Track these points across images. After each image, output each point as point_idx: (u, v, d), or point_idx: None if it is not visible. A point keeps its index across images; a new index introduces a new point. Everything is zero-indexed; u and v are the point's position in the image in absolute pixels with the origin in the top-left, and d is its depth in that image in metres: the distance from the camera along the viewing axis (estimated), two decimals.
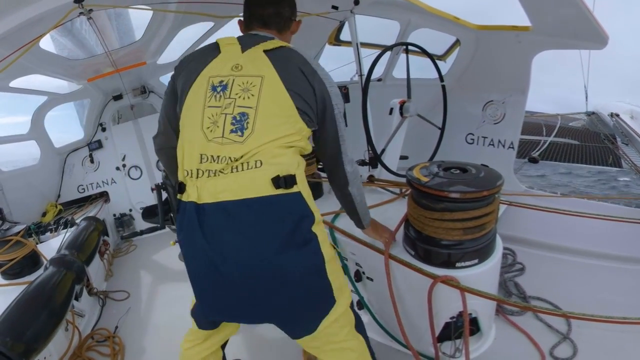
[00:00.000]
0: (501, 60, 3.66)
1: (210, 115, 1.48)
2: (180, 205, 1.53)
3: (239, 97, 1.48)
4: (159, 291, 3.79)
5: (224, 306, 1.58)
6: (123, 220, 5.45)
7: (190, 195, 1.47)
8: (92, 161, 5.39)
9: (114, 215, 5.43)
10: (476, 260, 1.94)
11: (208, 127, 1.48)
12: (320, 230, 1.55)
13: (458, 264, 1.91)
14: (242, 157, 1.43)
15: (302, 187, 1.48)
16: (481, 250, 1.94)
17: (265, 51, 1.55)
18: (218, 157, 1.45)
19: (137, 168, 5.53)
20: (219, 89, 1.50)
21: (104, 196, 5.47)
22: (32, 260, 3.06)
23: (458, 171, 1.99)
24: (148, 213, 3.78)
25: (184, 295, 3.28)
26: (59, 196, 5.34)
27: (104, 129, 5.40)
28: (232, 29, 4.00)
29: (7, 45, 2.82)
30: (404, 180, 2.08)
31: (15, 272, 2.95)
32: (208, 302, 1.62)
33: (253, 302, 1.52)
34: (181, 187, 1.53)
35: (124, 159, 5.50)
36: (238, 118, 1.46)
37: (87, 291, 3.46)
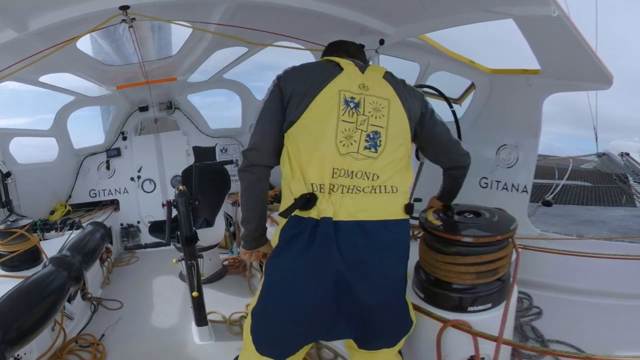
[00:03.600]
0: (513, 104, 3.70)
1: (344, 129, 1.50)
2: (306, 222, 1.49)
3: (372, 115, 1.54)
4: (153, 306, 3.69)
5: (325, 320, 1.58)
6: (129, 231, 5.42)
7: (324, 210, 1.46)
8: (108, 167, 5.44)
9: (121, 224, 5.41)
10: (489, 305, 1.87)
11: (341, 141, 1.50)
12: None
13: (470, 308, 1.85)
14: (378, 177, 1.52)
15: None
16: (494, 294, 1.87)
17: (383, 76, 1.65)
18: (352, 172, 1.50)
19: (152, 182, 5.55)
20: (351, 104, 1.53)
21: (114, 204, 5.47)
22: (33, 256, 3.03)
23: (471, 215, 1.97)
24: (155, 228, 3.75)
25: (176, 314, 3.20)
26: (69, 197, 5.38)
27: (124, 138, 5.47)
28: (265, 56, 4.08)
29: (45, 39, 2.88)
30: (416, 222, 2.03)
31: (14, 264, 2.93)
32: (308, 314, 1.55)
33: (367, 320, 1.59)
34: (304, 202, 1.49)
35: (139, 170, 5.53)
36: (372, 136, 1.53)
37: (81, 295, 3.40)
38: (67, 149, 5.21)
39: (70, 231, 3.93)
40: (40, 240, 3.64)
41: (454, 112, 3.32)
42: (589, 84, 3.03)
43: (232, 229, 4.76)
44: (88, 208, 5.26)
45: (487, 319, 1.83)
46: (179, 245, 3.14)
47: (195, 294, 2.89)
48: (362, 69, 1.64)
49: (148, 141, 5.57)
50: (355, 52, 1.84)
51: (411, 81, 4.21)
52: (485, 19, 2.70)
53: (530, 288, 3.22)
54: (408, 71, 4.22)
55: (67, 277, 2.76)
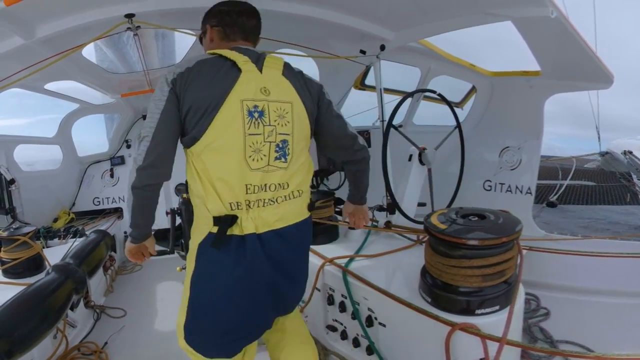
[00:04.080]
0: (515, 106, 3.74)
1: (251, 143, 1.48)
2: (231, 240, 1.51)
3: (278, 124, 1.54)
4: (156, 314, 3.67)
5: (264, 322, 1.74)
6: None
7: (247, 227, 1.50)
8: (112, 175, 5.43)
9: (125, 232, 5.38)
10: (497, 307, 1.87)
11: (250, 156, 1.49)
12: None
13: (478, 311, 1.85)
14: (289, 185, 1.59)
15: None
16: (502, 297, 1.87)
17: (282, 73, 1.61)
18: (265, 185, 1.53)
19: None
20: (255, 115, 1.49)
21: (118, 212, 5.46)
22: (36, 263, 3.02)
23: (476, 218, 1.97)
24: (159, 236, 3.74)
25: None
26: (73, 204, 5.37)
27: (128, 146, 5.48)
28: None
29: (51, 47, 2.89)
30: (421, 226, 2.06)
31: (17, 272, 2.92)
32: (251, 324, 1.66)
33: (288, 302, 1.82)
34: (225, 221, 1.49)
35: None
36: (280, 145, 1.55)
37: (84, 303, 3.38)
38: (71, 157, 5.21)
39: (74, 239, 3.92)
40: (44, 247, 3.63)
41: (456, 116, 3.35)
42: (590, 84, 3.07)
43: None
44: (92, 216, 5.26)
45: (495, 321, 1.82)
46: (182, 253, 3.13)
47: None
48: (260, 66, 1.56)
49: None
50: (250, 34, 1.71)
51: (412, 86, 4.40)
52: (485, 22, 2.71)
53: (538, 289, 3.21)
54: (409, 76, 4.28)
55: (70, 284, 2.74)
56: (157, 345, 3.12)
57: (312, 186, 3.97)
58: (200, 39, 1.82)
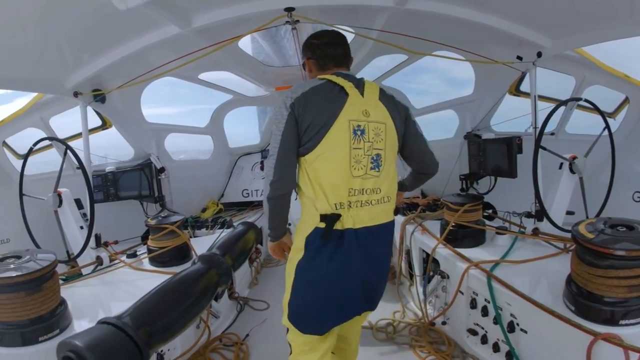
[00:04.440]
0: None
1: (355, 155, 1.83)
2: (333, 233, 1.82)
3: (375, 141, 1.88)
4: None
5: (354, 307, 2.01)
6: None
7: (347, 223, 1.82)
8: (262, 168, 5.50)
9: None
10: None
11: (353, 166, 1.83)
12: None
13: (622, 322, 1.86)
14: (380, 191, 1.90)
15: None
16: None
17: (379, 98, 1.94)
18: (363, 189, 1.86)
19: None
20: (358, 132, 1.83)
21: None
22: (182, 253, 3.08)
23: (624, 228, 1.96)
24: None
25: None
26: (222, 195, 5.55)
27: None
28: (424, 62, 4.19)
29: (207, 37, 2.94)
30: (568, 235, 2.16)
31: (163, 260, 3.01)
32: (343, 306, 1.96)
33: (374, 295, 2.06)
34: (332, 218, 1.81)
35: None
36: (375, 158, 1.88)
37: (228, 294, 3.43)
38: (222, 148, 5.40)
39: (221, 230, 4.01)
40: (191, 237, 3.74)
41: (608, 127, 3.26)
42: None
43: None
44: (240, 208, 5.37)
45: (639, 332, 1.81)
46: None
47: None
48: (361, 90, 1.90)
49: None
50: (341, 61, 2.04)
51: (566, 94, 4.42)
52: None
53: None
54: (563, 84, 4.36)
55: (215, 275, 2.73)
56: None
57: (461, 189, 4.06)
58: (303, 65, 2.16)
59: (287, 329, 2.07)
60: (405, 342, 2.96)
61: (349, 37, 3.25)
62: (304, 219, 1.94)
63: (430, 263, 3.06)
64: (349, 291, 1.91)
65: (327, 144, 1.80)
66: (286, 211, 2.01)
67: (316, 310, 1.93)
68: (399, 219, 3.60)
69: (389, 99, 1.98)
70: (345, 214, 1.82)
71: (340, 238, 1.83)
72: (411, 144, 2.09)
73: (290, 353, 2.11)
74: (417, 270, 3.39)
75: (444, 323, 2.95)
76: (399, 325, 3.19)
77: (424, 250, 3.27)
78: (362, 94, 1.89)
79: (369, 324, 3.16)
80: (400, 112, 2.01)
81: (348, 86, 1.86)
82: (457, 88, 4.61)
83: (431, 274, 3.09)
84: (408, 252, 3.60)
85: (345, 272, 1.86)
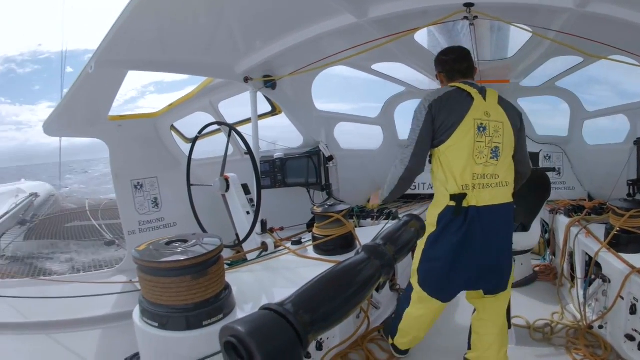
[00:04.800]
0: None
1: (477, 147, 2.21)
2: (462, 209, 2.21)
3: (494, 136, 2.25)
4: None
5: (474, 279, 2.33)
6: None
7: (471, 201, 2.20)
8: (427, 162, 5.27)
9: None
10: None
11: (476, 155, 2.21)
12: None
13: None
14: (499, 176, 2.26)
15: None
16: None
17: (498, 102, 2.32)
18: (484, 174, 2.23)
19: None
20: (481, 129, 2.22)
21: (432, 198, 5.32)
22: (347, 242, 3.07)
23: None
24: None
25: None
26: None
27: None
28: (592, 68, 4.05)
29: (382, 27, 2.88)
30: None
31: (328, 248, 3.02)
32: (464, 276, 2.31)
33: (494, 274, 2.34)
34: (460, 197, 2.21)
35: None
36: (494, 149, 2.25)
37: (389, 285, 3.40)
38: (391, 139, 5.32)
39: (386, 221, 3.95)
40: (356, 227, 3.71)
41: None
42: None
43: (547, 235, 4.37)
44: (406, 200, 5.22)
45: None
46: None
47: None
48: (484, 96, 2.30)
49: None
50: (467, 73, 2.44)
51: None
52: None
53: None
54: None
55: (378, 266, 2.67)
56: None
57: (629, 195, 4.08)
58: (436, 76, 2.60)
59: (412, 288, 2.48)
60: (561, 344, 2.96)
61: (525, 36, 3.43)
62: (436, 199, 2.35)
63: (592, 266, 2.97)
64: (471, 262, 2.24)
65: (456, 137, 2.21)
66: (407, 189, 2.49)
67: (441, 277, 2.31)
68: (564, 221, 3.70)
69: (506, 104, 2.37)
70: (470, 194, 2.20)
71: (465, 215, 2.20)
72: (519, 145, 2.42)
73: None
74: (579, 272, 3.35)
75: (600, 327, 2.91)
76: (556, 326, 3.15)
77: (586, 253, 3.19)
78: (485, 99, 2.28)
79: (526, 323, 3.19)
80: (515, 115, 2.40)
81: (474, 92, 2.28)
82: (630, 101, 4.25)
83: (593, 277, 2.99)
84: (571, 254, 3.57)
85: (469, 243, 2.21)
